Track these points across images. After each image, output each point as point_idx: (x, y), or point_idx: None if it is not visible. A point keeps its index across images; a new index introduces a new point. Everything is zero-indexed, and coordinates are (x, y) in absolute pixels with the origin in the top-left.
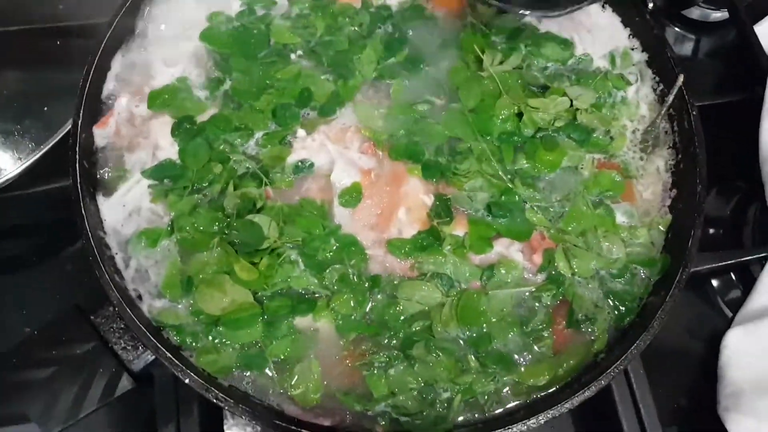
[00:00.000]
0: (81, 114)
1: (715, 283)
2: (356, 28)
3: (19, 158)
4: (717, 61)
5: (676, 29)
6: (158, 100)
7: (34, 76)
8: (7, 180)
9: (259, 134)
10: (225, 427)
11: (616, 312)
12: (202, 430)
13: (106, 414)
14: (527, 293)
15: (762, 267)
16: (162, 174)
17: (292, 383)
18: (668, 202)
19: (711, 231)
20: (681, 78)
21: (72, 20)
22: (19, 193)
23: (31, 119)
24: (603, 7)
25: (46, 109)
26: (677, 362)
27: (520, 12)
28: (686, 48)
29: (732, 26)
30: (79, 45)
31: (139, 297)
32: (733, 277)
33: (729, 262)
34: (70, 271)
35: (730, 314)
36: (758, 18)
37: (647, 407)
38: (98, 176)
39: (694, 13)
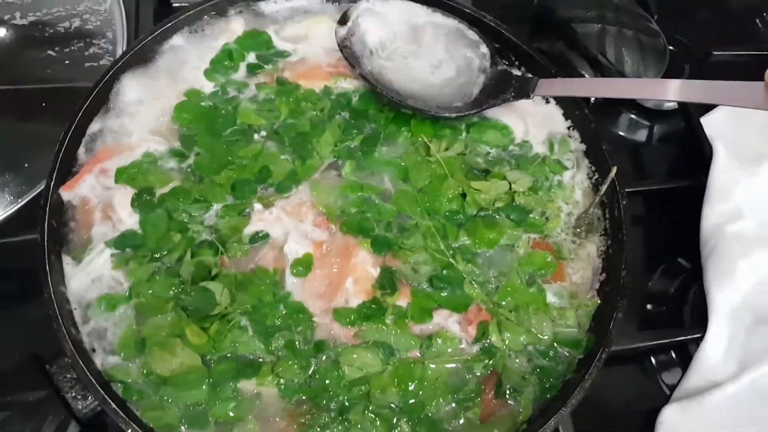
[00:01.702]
0: (54, 176)
1: (655, 359)
2: (317, 113)
3: None
4: (669, 147)
5: (632, 116)
6: (124, 175)
7: (17, 132)
8: None
9: (218, 206)
10: None
11: (540, 387)
12: None
13: None
14: (461, 363)
15: (698, 347)
16: (124, 244)
17: None
18: (597, 285)
19: (654, 308)
20: (614, 170)
21: (57, 83)
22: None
23: (11, 173)
24: (547, 101)
25: (26, 165)
26: None
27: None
28: (640, 134)
29: (681, 116)
30: (62, 107)
31: (93, 350)
32: (673, 354)
33: (665, 341)
34: (35, 319)
35: (668, 391)
36: (707, 109)
37: None
38: (65, 236)
39: (649, 102)
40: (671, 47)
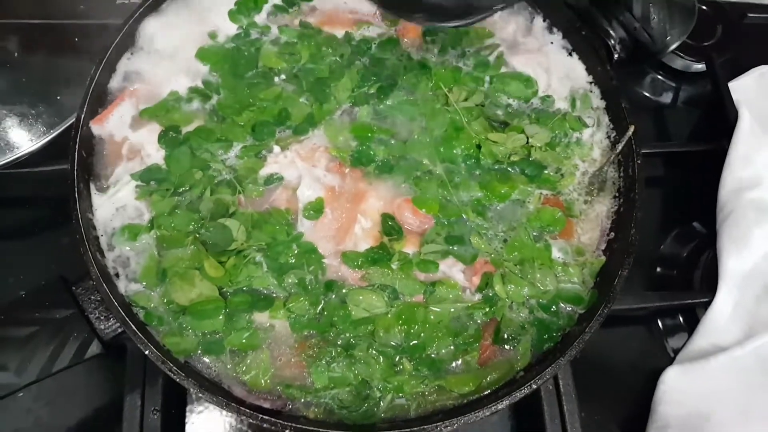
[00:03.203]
0: (85, 109)
1: (662, 322)
2: (338, 58)
3: (31, 139)
4: (694, 110)
5: (659, 77)
6: (150, 112)
7: (51, 66)
8: (19, 157)
9: (237, 147)
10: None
11: (539, 337)
12: (165, 399)
13: (76, 374)
14: (462, 309)
15: (705, 311)
16: (149, 177)
17: (244, 369)
18: (604, 246)
19: (664, 271)
20: (631, 129)
21: (89, 19)
22: (28, 170)
23: (45, 105)
24: (570, 54)
25: (59, 97)
26: (616, 393)
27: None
28: (665, 95)
29: (708, 79)
30: (92, 42)
31: (117, 275)
32: (681, 318)
33: (672, 302)
34: (63, 245)
35: (672, 354)
36: (735, 74)
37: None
38: (94, 166)
39: (677, 63)
40: (704, 6)
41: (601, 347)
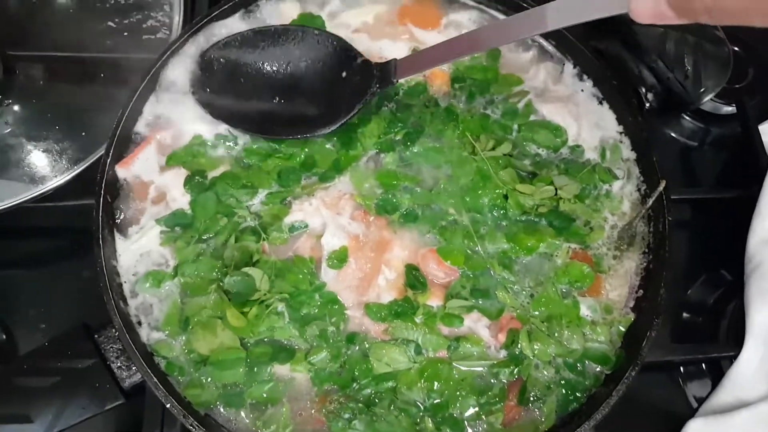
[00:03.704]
0: (110, 153)
1: (684, 369)
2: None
3: (56, 174)
4: (723, 153)
5: (687, 118)
6: (175, 158)
7: (76, 100)
8: (44, 192)
9: (263, 193)
10: None
11: (564, 398)
12: None
13: (97, 423)
14: (487, 367)
15: (731, 364)
16: (174, 222)
17: (264, 423)
18: (632, 303)
19: (690, 318)
20: (662, 184)
21: (115, 53)
22: (53, 204)
23: (69, 141)
24: (600, 103)
25: (83, 133)
26: None
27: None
28: (694, 137)
29: (738, 122)
30: (119, 78)
31: (139, 323)
32: (704, 366)
33: (698, 356)
34: (87, 278)
35: (695, 404)
36: (765, 117)
37: None
38: (119, 210)
39: (707, 105)
40: (736, 48)
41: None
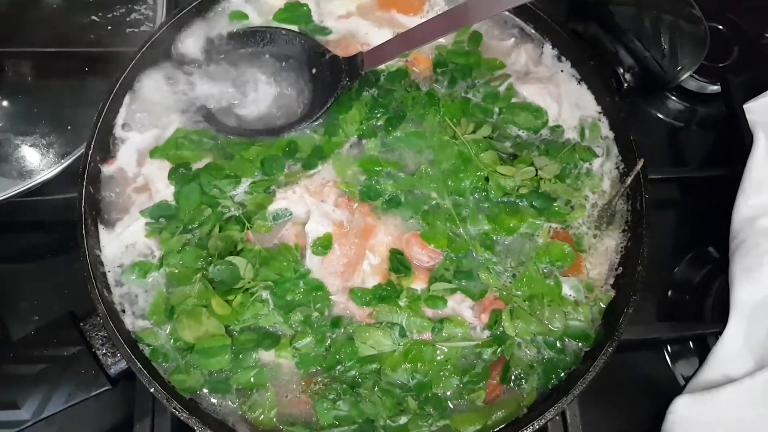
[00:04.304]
0: (92, 147)
1: (671, 348)
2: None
3: (43, 168)
4: (709, 132)
5: (672, 98)
6: (159, 151)
7: (61, 94)
8: (32, 187)
9: (246, 182)
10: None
11: (545, 375)
12: (173, 428)
13: (85, 409)
14: (470, 347)
15: (716, 340)
16: (158, 214)
17: (250, 407)
18: (612, 280)
19: (676, 296)
20: (640, 163)
21: (99, 47)
22: (41, 198)
23: (56, 135)
24: (579, 82)
25: (69, 127)
26: (624, 421)
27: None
28: (680, 117)
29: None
30: (103, 71)
31: (123, 311)
32: (690, 344)
33: (683, 333)
34: (74, 270)
35: (682, 381)
36: (751, 95)
37: None
38: (103, 202)
39: (691, 84)
40: (720, 26)
41: (608, 373)
